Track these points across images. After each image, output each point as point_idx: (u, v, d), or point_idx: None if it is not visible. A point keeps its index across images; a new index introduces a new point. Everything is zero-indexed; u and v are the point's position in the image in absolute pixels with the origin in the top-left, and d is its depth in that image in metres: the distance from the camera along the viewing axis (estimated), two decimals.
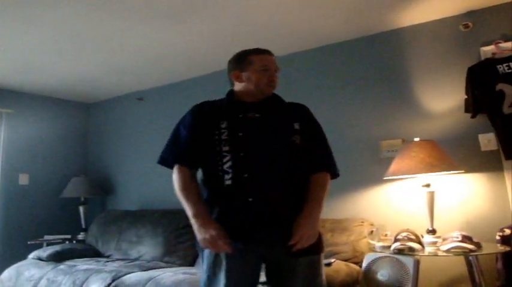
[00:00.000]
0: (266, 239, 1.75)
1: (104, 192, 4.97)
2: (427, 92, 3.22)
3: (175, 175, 1.85)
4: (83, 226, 4.76)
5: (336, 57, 3.67)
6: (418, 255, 2.55)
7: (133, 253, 3.97)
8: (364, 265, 2.74)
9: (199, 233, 1.72)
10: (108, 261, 3.77)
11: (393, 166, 2.84)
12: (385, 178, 2.93)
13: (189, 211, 1.76)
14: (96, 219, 4.57)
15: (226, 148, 1.80)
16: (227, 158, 1.79)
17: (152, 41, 3.53)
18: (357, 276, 2.76)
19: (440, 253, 2.48)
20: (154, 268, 3.43)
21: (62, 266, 3.59)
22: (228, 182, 1.77)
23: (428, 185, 2.77)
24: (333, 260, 2.79)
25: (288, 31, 3.37)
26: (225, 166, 1.78)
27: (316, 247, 1.81)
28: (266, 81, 1.88)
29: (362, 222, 3.13)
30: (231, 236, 1.71)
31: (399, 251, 2.53)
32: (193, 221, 1.74)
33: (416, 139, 2.86)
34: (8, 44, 3.49)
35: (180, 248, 3.78)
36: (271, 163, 1.80)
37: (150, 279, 3.03)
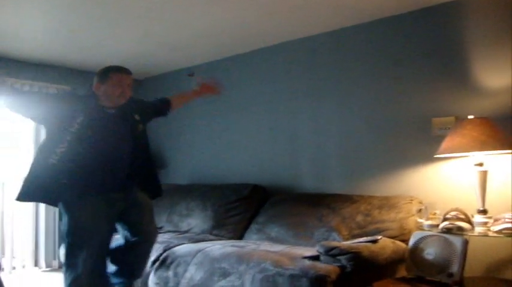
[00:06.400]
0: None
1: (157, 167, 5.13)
2: (482, 67, 3.08)
3: None
4: None
5: (386, 33, 3.56)
6: (467, 235, 2.50)
7: (184, 226, 4.09)
8: (411, 243, 2.72)
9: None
10: (160, 233, 3.91)
11: (444, 144, 2.77)
12: (435, 156, 2.87)
13: None
14: None
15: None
16: None
17: (201, 15, 3.52)
18: (403, 254, 2.75)
19: (490, 234, 2.42)
20: (204, 240, 3.51)
21: None
22: None
23: (481, 164, 2.68)
24: (379, 237, 2.79)
25: (338, 4, 3.29)
26: None
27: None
28: (118, 93, 2.57)
29: (411, 200, 3.10)
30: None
31: (447, 230, 2.49)
32: None
33: (470, 117, 2.77)
34: (64, 23, 3.67)
35: (229, 222, 3.86)
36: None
37: (199, 251, 3.12)
